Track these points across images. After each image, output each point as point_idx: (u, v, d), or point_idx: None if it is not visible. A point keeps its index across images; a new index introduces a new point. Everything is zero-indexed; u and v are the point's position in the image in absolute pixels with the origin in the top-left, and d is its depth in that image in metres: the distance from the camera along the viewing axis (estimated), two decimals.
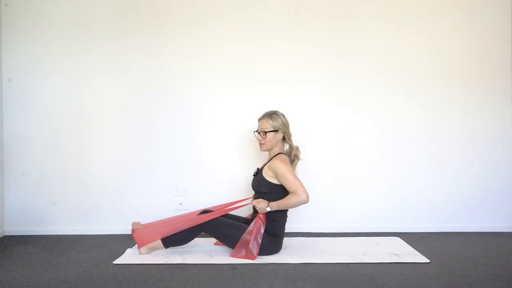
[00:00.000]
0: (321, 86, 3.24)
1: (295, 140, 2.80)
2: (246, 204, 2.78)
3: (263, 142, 2.69)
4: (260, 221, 2.56)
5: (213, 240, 2.85)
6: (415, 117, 3.25)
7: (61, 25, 3.20)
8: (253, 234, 2.54)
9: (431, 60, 3.25)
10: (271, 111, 2.74)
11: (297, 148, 2.75)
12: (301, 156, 2.77)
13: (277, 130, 2.67)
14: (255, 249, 2.53)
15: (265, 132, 2.67)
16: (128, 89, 3.22)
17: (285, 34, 3.22)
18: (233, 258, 2.54)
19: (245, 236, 2.55)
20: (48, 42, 3.20)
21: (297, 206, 2.56)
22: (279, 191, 2.60)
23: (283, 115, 2.72)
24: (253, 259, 2.50)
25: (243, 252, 2.54)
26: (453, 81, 3.25)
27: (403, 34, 3.24)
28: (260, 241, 2.54)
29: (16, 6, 3.20)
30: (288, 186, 2.55)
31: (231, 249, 2.64)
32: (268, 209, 2.55)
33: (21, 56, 3.20)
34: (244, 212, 3.17)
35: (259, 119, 2.74)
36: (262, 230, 2.56)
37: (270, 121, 2.68)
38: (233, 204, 2.80)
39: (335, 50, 3.23)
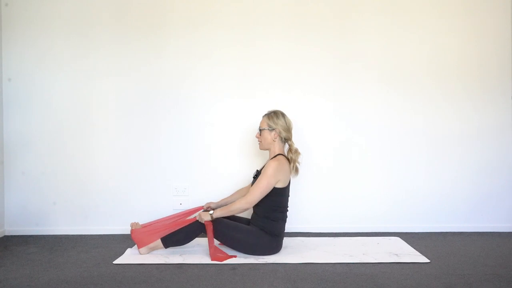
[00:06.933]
0: (320, 86, 3.24)
1: (297, 140, 2.79)
2: (193, 219, 2.63)
3: (259, 140, 2.73)
4: (209, 228, 2.55)
5: None
6: (416, 117, 3.25)
7: (61, 25, 3.20)
8: (208, 240, 2.55)
9: (430, 60, 3.25)
10: (272, 110, 2.75)
11: (296, 150, 2.70)
12: (299, 160, 2.72)
13: (271, 129, 2.67)
14: (218, 251, 2.56)
15: (261, 130, 2.70)
16: (128, 89, 3.22)
17: (286, 34, 3.22)
18: (230, 259, 2.53)
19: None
20: (48, 42, 3.20)
21: (238, 212, 2.59)
22: (278, 194, 2.60)
23: (284, 116, 2.71)
24: (221, 260, 2.49)
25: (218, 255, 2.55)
26: (453, 81, 3.25)
27: (403, 35, 3.23)
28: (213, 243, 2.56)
29: (16, 6, 3.20)
30: (255, 184, 2.56)
31: (231, 249, 2.65)
32: (211, 212, 2.56)
33: (21, 56, 3.20)
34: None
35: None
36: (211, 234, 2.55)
37: (267, 120, 2.70)
38: (182, 217, 2.83)
39: (335, 50, 3.23)
